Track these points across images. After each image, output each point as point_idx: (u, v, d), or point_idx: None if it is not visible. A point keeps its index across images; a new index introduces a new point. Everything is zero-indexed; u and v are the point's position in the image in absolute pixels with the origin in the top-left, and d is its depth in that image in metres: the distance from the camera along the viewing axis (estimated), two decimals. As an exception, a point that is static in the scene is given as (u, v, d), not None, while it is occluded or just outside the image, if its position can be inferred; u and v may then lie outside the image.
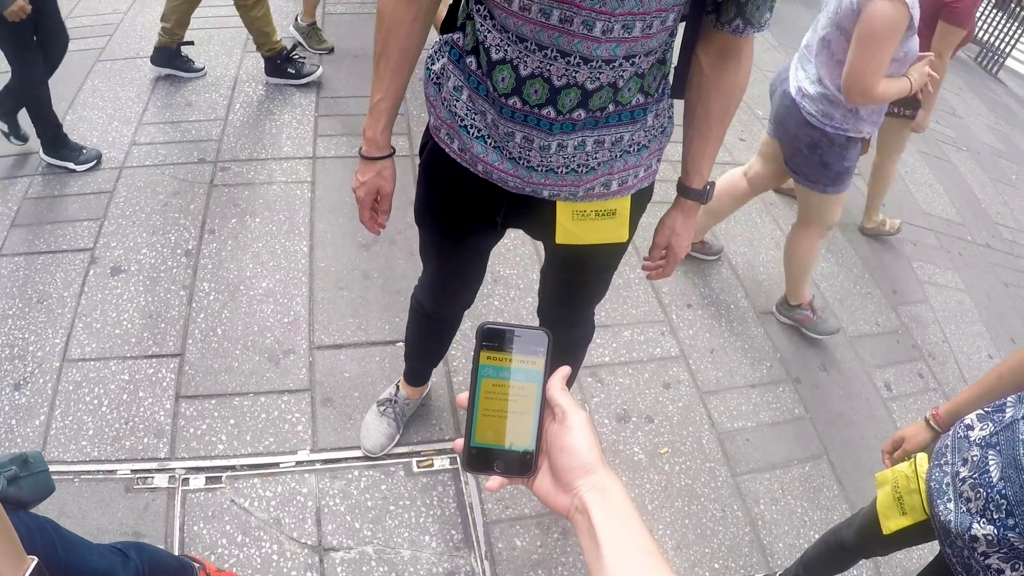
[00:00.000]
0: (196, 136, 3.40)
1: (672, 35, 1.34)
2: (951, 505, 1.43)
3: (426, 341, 2.17)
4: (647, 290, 3.14)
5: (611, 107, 1.33)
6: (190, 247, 2.86)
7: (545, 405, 0.72)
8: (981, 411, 1.49)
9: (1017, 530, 1.28)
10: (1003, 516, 1.30)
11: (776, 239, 3.62)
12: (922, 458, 1.63)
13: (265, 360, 2.54)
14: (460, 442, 0.72)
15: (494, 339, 0.72)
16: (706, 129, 1.50)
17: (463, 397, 0.73)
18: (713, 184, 1.62)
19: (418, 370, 2.34)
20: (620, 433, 2.57)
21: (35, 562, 1.07)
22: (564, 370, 0.74)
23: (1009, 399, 1.44)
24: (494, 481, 0.72)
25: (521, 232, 1.70)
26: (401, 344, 2.56)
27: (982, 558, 1.36)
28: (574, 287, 1.81)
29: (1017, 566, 1.31)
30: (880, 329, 3.37)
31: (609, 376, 2.73)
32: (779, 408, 2.85)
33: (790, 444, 2.74)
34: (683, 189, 1.60)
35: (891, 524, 1.66)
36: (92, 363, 2.53)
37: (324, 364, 2.55)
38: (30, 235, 2.96)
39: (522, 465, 0.71)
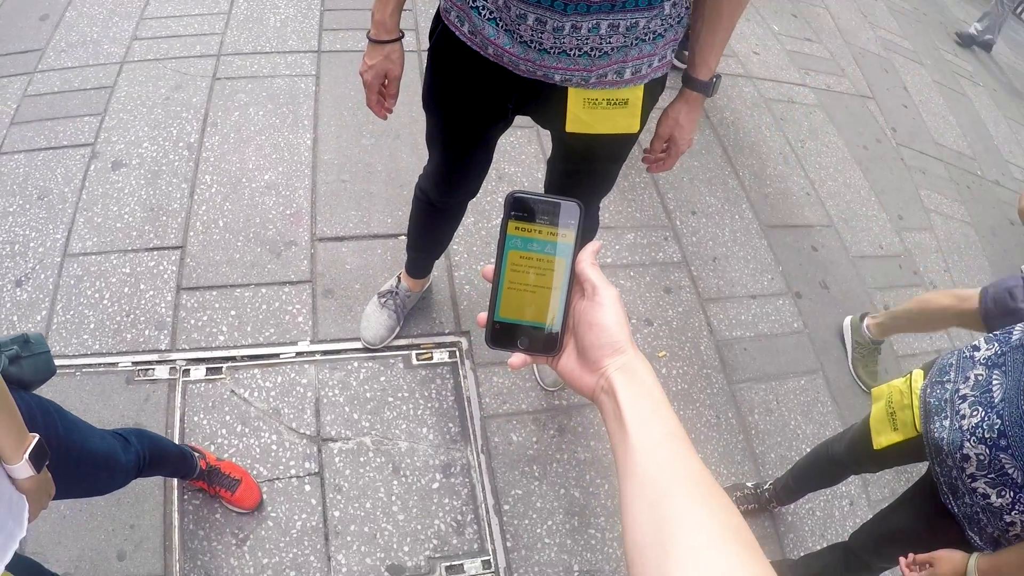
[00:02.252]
0: (199, 30, 3.26)
1: None
2: (946, 423, 1.39)
3: (429, 231, 2.11)
4: (652, 195, 3.01)
5: None
6: (192, 140, 2.76)
7: (574, 280, 0.68)
8: (989, 334, 1.45)
9: (1010, 452, 1.24)
10: (996, 437, 1.26)
11: (785, 154, 3.45)
12: (917, 374, 1.58)
13: (267, 252, 2.47)
14: (483, 316, 0.68)
15: (523, 208, 0.67)
16: (716, 20, 1.44)
17: (488, 269, 0.68)
18: (719, 77, 1.54)
19: (420, 262, 2.27)
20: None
21: (36, 439, 1.08)
22: (595, 244, 0.69)
23: (1018, 325, 1.40)
24: (517, 358, 0.68)
25: (527, 130, 1.60)
26: (403, 238, 2.48)
27: (969, 480, 1.33)
28: (581, 177, 1.75)
29: (1003, 493, 1.27)
30: (883, 252, 3.23)
31: (610, 277, 2.63)
32: (778, 320, 2.75)
33: (787, 357, 2.66)
34: (688, 80, 1.54)
35: (882, 439, 1.64)
36: (93, 257, 2.47)
37: (325, 256, 2.48)
38: (30, 132, 2.88)
39: (547, 343, 0.68)
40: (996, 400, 1.30)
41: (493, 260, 0.68)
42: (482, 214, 2.66)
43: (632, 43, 1.36)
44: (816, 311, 2.84)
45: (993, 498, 1.29)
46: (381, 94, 1.63)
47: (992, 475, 1.29)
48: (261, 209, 2.55)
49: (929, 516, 1.52)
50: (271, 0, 3.47)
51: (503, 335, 0.68)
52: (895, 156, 3.87)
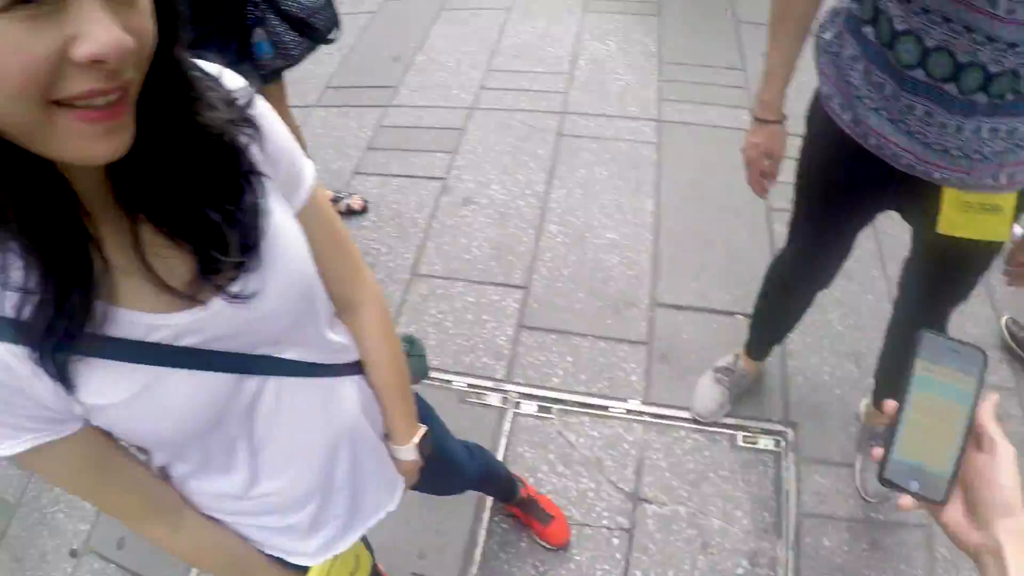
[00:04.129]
0: (542, 87, 3.49)
1: None
2: None
3: (778, 315, 2.13)
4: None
5: (1010, 95, 1.26)
6: (539, 189, 2.93)
7: (972, 430, 0.68)
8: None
9: None
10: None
11: None
12: None
13: (607, 307, 2.54)
14: (879, 451, 0.70)
15: (933, 349, 0.70)
16: None
17: (891, 404, 0.71)
18: None
19: (762, 344, 2.26)
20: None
21: (424, 429, 1.17)
22: (995, 397, 0.70)
23: None
24: (907, 500, 0.69)
25: (867, 227, 1.60)
26: (739, 316, 2.47)
27: None
28: (940, 283, 1.74)
29: None
30: None
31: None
32: None
33: None
34: None
35: None
36: (439, 280, 2.66)
37: (664, 321, 2.51)
38: (383, 158, 3.19)
39: (935, 489, 0.68)
40: None
41: (893, 388, 0.69)
42: (818, 306, 2.61)
43: (1011, 148, 1.34)
44: None
45: None
46: (763, 173, 1.66)
47: None
48: (604, 265, 2.64)
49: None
50: (611, 67, 3.65)
51: (898, 473, 0.69)
52: None
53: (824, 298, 2.29)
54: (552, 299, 2.57)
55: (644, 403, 2.33)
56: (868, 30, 1.35)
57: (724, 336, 2.47)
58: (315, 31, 2.13)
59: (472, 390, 2.37)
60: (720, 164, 3.03)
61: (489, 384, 2.38)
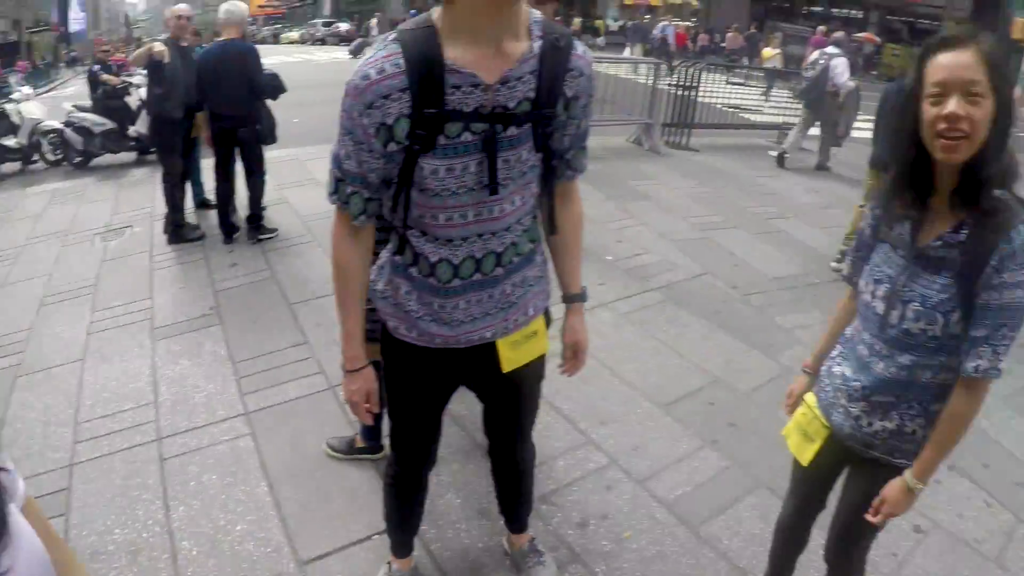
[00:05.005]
0: (134, 422, 3.78)
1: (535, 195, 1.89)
2: (840, 407, 1.92)
3: (403, 508, 2.47)
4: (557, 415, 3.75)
5: (515, 258, 1.88)
6: (159, 516, 3.18)
7: None
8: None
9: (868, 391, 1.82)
10: (860, 389, 1.85)
11: (660, 349, 4.40)
12: (810, 396, 2.09)
13: (263, 590, 2.86)
14: None
15: None
16: (569, 249, 2.09)
17: None
18: (585, 288, 2.16)
19: (402, 539, 2.61)
20: (584, 536, 3.04)
21: None
22: None
23: (848, 328, 1.98)
24: None
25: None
26: (376, 537, 2.93)
27: (869, 427, 1.85)
28: (514, 407, 2.27)
29: (891, 418, 1.82)
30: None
31: (559, 499, 3.23)
32: (704, 468, 3.39)
33: (727, 488, 3.33)
34: (569, 297, 2.13)
35: (807, 454, 2.05)
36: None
37: (320, 573, 2.83)
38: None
39: None
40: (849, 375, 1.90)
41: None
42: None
43: (527, 290, 1.96)
44: (734, 446, 3.62)
45: (889, 424, 1.81)
46: (368, 410, 2.03)
47: (879, 411, 1.82)
48: (246, 557, 2.93)
49: (860, 483, 1.97)
50: (191, 382, 4.11)
51: None
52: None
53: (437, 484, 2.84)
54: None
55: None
56: (413, 269, 1.84)
57: (374, 557, 2.86)
58: None
59: None
60: (311, 427, 3.62)
61: None
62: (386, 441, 3.25)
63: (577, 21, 32.18)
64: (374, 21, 33.46)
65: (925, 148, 1.63)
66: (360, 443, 3.41)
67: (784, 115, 11.38)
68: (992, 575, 2.99)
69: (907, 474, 1.78)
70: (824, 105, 9.14)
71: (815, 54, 9.51)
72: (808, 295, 5.66)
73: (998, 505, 3.37)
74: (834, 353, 2.04)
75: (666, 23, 24.63)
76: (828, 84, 8.98)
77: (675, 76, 10.28)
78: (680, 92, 10.13)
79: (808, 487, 2.22)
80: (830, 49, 9.16)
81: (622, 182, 7.72)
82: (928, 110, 1.59)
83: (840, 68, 8.89)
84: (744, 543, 3.03)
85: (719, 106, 11.20)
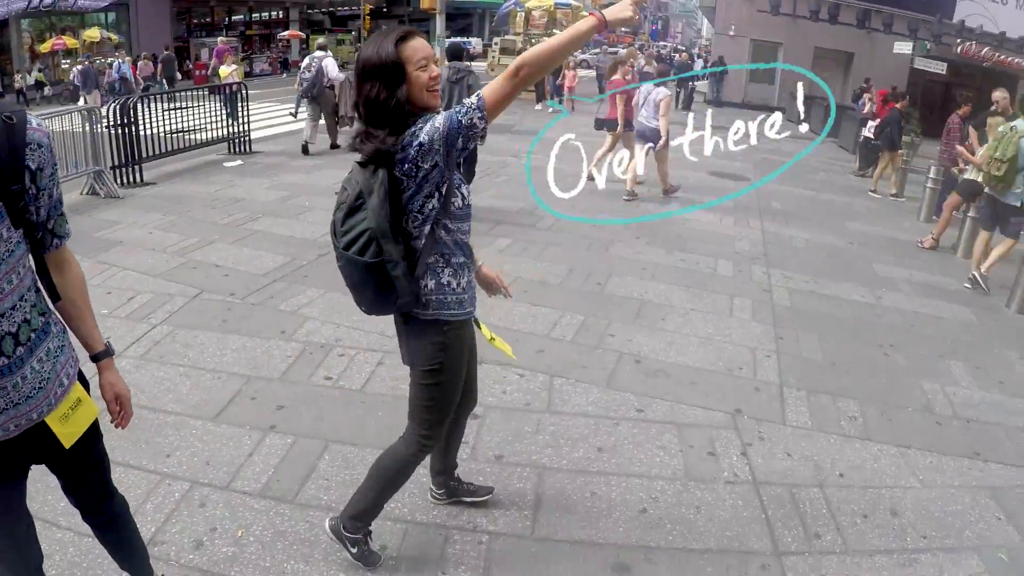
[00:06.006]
0: None
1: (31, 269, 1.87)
2: None
3: None
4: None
5: (32, 334, 1.83)
6: None
7: None
8: None
9: None
10: None
11: None
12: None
13: None
14: None
15: None
16: (81, 312, 2.05)
17: None
18: (109, 341, 2.13)
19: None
20: (205, 552, 2.99)
21: None
22: None
23: None
24: None
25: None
26: None
27: None
28: (96, 469, 2.21)
29: None
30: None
31: (164, 535, 3.08)
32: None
33: (302, 458, 3.58)
34: (96, 356, 2.10)
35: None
36: None
37: None
38: None
39: None
40: None
41: None
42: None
43: (55, 360, 1.92)
44: (292, 422, 3.74)
45: None
46: None
47: None
48: None
49: None
50: None
51: None
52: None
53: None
54: None
55: None
56: None
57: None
58: None
59: None
60: None
61: None
62: None
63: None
64: None
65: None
66: None
67: (224, 128, 12.39)
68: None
69: None
70: (325, 97, 12.36)
71: (307, 60, 12.56)
72: (300, 277, 6.29)
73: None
74: None
75: (120, 61, 23.04)
76: (325, 80, 12.19)
77: (107, 116, 9.90)
78: (120, 131, 9.84)
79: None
80: (318, 54, 12.44)
81: (88, 236, 7.29)
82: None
83: (331, 66, 12.30)
84: (342, 492, 3.35)
85: (163, 134, 11.10)
